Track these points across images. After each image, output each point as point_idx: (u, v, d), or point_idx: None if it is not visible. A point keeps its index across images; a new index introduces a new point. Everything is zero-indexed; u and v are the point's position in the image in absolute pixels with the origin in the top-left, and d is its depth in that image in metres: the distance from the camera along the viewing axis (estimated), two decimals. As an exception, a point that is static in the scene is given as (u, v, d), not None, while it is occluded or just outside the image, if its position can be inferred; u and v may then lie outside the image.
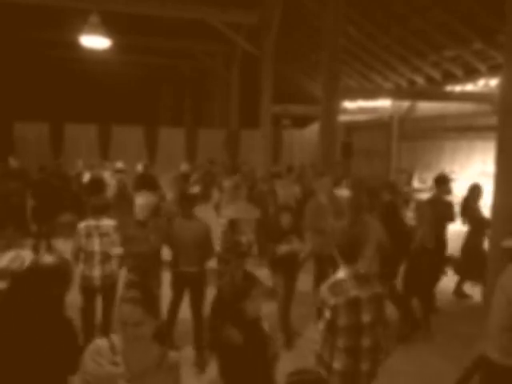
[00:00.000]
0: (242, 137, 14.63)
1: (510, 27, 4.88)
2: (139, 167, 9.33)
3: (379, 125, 12.57)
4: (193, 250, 4.39)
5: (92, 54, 11.18)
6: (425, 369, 4.42)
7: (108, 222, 4.46)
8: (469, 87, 9.35)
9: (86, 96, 16.48)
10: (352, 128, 13.93)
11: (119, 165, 8.78)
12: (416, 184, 10.27)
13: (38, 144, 13.05)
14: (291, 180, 9.23)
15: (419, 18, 8.75)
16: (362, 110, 12.48)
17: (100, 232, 4.36)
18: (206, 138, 14.64)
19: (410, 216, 7.37)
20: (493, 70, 8.73)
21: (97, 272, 4.31)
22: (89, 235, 4.33)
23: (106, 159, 12.28)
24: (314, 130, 12.85)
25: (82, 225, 4.40)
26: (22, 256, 3.41)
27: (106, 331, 4.33)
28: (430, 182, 9.90)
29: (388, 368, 4.33)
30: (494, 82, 8.68)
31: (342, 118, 10.57)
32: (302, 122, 14.73)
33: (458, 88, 9.57)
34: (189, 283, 4.47)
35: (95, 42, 8.47)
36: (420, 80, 10.84)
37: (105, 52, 10.05)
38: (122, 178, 7.93)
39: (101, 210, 4.49)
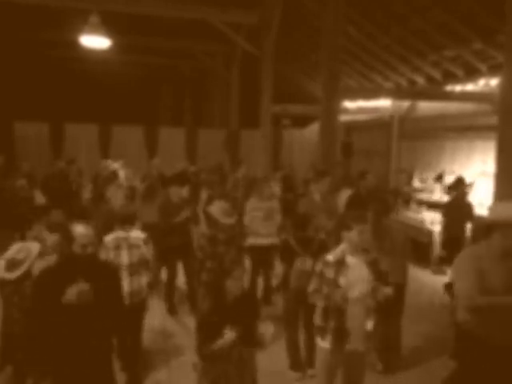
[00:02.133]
0: (242, 137, 14.62)
1: (510, 27, 4.89)
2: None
3: (379, 125, 12.56)
4: None
5: (92, 53, 11.18)
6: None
7: (137, 234, 4.22)
8: (469, 87, 9.33)
9: (86, 96, 16.48)
10: (352, 128, 13.92)
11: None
12: (416, 184, 10.27)
13: (38, 144, 13.02)
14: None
15: (419, 17, 8.75)
16: (362, 110, 12.46)
17: (129, 244, 4.11)
18: (206, 138, 14.63)
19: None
20: (493, 70, 8.72)
21: (124, 288, 3.78)
22: (117, 247, 4.08)
23: (106, 159, 12.25)
24: (313, 129, 12.84)
25: (110, 237, 4.14)
26: (27, 247, 3.42)
27: (131, 361, 4.13)
28: (430, 181, 9.92)
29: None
30: (494, 82, 8.68)
31: (342, 117, 10.55)
32: (302, 121, 14.72)
33: (458, 88, 9.55)
34: None
35: (95, 41, 8.46)
36: (420, 80, 10.84)
37: (105, 52, 10.03)
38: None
39: (130, 221, 4.24)
